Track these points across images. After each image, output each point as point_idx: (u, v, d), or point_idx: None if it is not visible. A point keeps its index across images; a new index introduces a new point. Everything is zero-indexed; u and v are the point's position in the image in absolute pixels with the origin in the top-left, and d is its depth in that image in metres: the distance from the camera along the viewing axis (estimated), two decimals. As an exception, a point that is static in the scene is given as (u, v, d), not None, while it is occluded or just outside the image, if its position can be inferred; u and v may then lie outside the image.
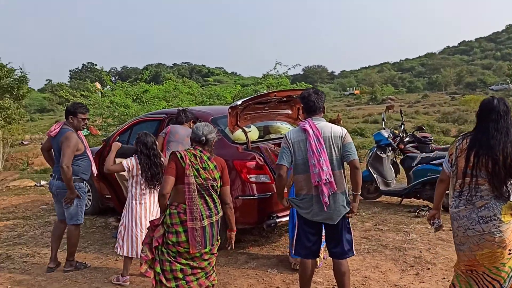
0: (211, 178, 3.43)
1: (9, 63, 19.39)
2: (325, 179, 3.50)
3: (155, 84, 16.69)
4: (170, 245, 3.43)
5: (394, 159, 8.00)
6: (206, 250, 3.44)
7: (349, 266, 3.79)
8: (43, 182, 11.12)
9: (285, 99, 5.79)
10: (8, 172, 15.77)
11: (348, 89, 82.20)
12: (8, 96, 19.11)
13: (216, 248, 3.57)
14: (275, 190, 4.48)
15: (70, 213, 4.90)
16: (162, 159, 4.68)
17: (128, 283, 4.58)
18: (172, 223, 3.42)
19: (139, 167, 4.52)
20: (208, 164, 3.46)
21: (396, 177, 7.92)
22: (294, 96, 5.72)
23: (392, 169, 7.80)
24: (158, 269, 3.45)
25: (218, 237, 3.58)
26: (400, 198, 7.49)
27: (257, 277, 4.67)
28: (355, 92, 75.81)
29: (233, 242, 3.71)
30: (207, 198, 3.44)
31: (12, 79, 19.59)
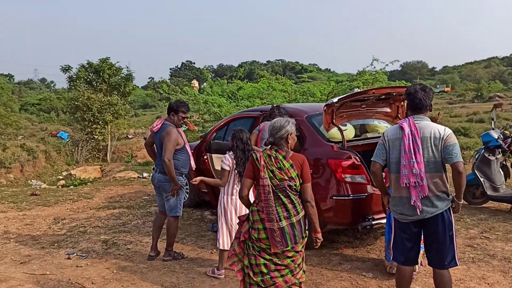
0: (287, 178, 3.34)
1: (117, 62, 20.91)
2: (414, 182, 3.32)
3: (249, 82, 16.98)
4: (254, 240, 3.47)
5: (504, 162, 7.34)
6: (288, 248, 3.38)
7: (451, 276, 3.53)
8: (145, 174, 11.82)
9: (383, 96, 5.55)
10: (115, 163, 17.04)
11: (438, 86, 76.83)
12: (116, 93, 20.64)
13: (301, 246, 3.45)
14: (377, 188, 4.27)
15: (170, 205, 5.13)
16: None
17: (223, 276, 4.68)
18: (254, 220, 3.46)
19: (234, 162, 4.61)
20: (283, 164, 3.37)
21: (506, 181, 7.28)
22: (394, 94, 5.46)
23: (502, 173, 7.17)
24: (246, 262, 3.51)
25: (304, 234, 3.45)
26: (510, 205, 6.88)
27: (351, 280, 4.54)
28: (446, 89, 70.84)
29: (318, 244, 3.56)
30: (284, 199, 3.36)
31: (119, 77, 21.12)
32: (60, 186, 12.40)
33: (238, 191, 4.63)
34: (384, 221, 4.87)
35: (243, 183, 3.53)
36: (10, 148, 16.13)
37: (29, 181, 14.69)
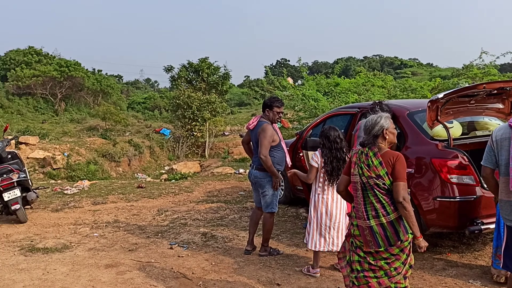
0: (374, 176, 3.19)
1: (215, 61, 21.68)
2: None
3: (345, 78, 16.67)
4: (352, 236, 3.43)
5: None
6: (381, 249, 3.23)
7: None
8: (241, 170, 12.12)
9: (495, 91, 5.11)
10: (212, 159, 17.68)
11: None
12: (214, 91, 21.42)
13: (397, 250, 3.23)
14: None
15: (266, 202, 5.19)
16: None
17: (319, 275, 4.63)
18: (351, 215, 3.45)
19: (322, 160, 4.54)
20: (372, 161, 3.22)
21: None
22: (507, 88, 5.01)
23: None
24: (348, 258, 3.50)
25: (404, 238, 3.24)
26: None
27: (456, 287, 4.25)
28: None
29: (422, 250, 3.28)
30: (372, 197, 3.23)
31: (217, 76, 21.89)
32: (163, 180, 13.16)
33: (326, 190, 4.58)
34: (494, 226, 4.50)
35: (340, 179, 3.58)
36: (119, 143, 17.44)
37: (135, 174, 15.79)
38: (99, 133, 22.69)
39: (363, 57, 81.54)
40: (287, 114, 15.09)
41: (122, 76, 72.77)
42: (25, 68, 43.38)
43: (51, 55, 50.04)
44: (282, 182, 7.42)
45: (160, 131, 24.24)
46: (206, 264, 5.14)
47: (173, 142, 20.34)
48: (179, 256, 5.42)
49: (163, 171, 16.46)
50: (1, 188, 6.88)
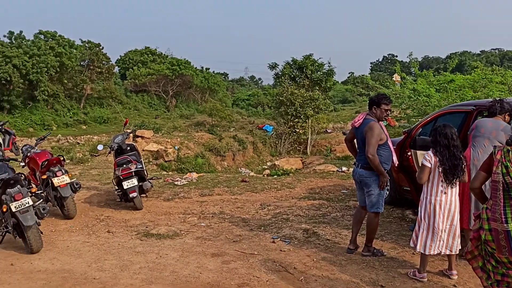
0: None
1: (319, 58, 21.57)
2: None
3: (459, 74, 15.59)
4: (483, 242, 3.23)
5: None
6: None
7: None
8: (344, 168, 11.93)
9: None
10: (314, 157, 17.64)
11: None
12: (317, 88, 21.32)
13: None
14: None
15: (371, 201, 5.07)
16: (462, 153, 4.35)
17: (426, 279, 4.43)
18: (482, 218, 3.22)
19: (436, 159, 4.31)
20: None
21: None
22: None
23: None
24: (480, 263, 3.34)
25: None
26: None
27: None
28: None
29: None
30: None
31: (321, 73, 21.75)
32: (265, 175, 13.43)
33: (440, 191, 4.32)
34: None
35: (476, 175, 3.38)
36: (224, 139, 18.12)
37: (239, 168, 16.29)
38: (206, 128, 23.78)
39: (480, 51, 75.48)
40: (393, 112, 14.52)
41: (227, 74, 75.45)
42: (141, 67, 46.85)
43: (164, 54, 53.40)
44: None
45: (263, 128, 24.70)
46: (308, 260, 5.17)
47: (276, 139, 20.63)
48: (281, 250, 5.51)
49: (266, 167, 16.78)
50: (121, 177, 7.51)
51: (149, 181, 8.12)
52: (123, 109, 39.77)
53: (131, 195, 7.52)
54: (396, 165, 5.43)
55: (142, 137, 16.19)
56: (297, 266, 4.96)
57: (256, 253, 5.43)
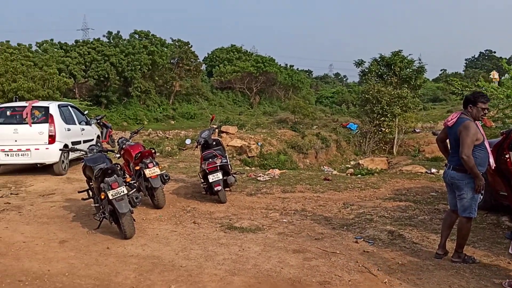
0: None
1: (409, 55, 20.74)
2: None
3: None
4: None
5: None
6: None
7: None
8: (433, 170, 11.37)
9: None
10: (401, 157, 17.01)
11: None
12: (406, 86, 20.53)
13: None
14: None
15: (463, 205, 4.78)
16: None
17: (523, 291, 4.11)
18: None
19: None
20: None
21: None
22: None
23: None
24: None
25: None
26: None
27: None
28: None
29: None
30: None
31: (410, 70, 20.91)
32: (348, 174, 13.18)
33: None
34: None
35: None
36: (307, 136, 18.07)
37: (322, 167, 16.16)
38: (288, 125, 23.87)
39: None
40: (490, 111, 13.58)
41: (312, 71, 74.98)
42: (227, 64, 48.08)
43: (250, 52, 54.34)
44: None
45: (347, 126, 24.31)
46: (392, 262, 5.00)
47: (360, 137, 20.21)
48: (364, 251, 5.39)
49: (349, 166, 16.49)
50: (207, 171, 7.77)
51: (233, 176, 8.32)
52: (209, 105, 41.14)
53: (215, 189, 7.74)
54: (493, 167, 5.08)
55: (227, 133, 16.63)
56: (381, 268, 4.82)
57: (338, 252, 5.36)
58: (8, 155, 9.79)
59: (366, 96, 20.02)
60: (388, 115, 19.12)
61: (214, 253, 5.33)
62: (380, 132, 19.52)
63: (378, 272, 4.73)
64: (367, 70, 21.94)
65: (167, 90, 39.27)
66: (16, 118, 10.20)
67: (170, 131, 22.72)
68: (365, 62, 22.47)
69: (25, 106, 10.21)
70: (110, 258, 5.20)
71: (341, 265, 4.92)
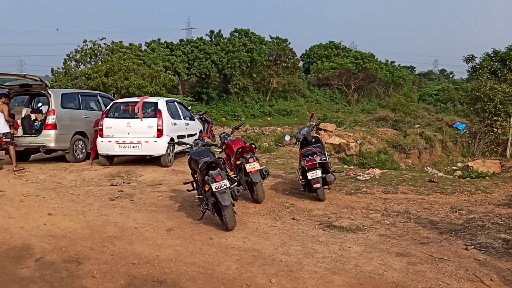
0: None
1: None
2: None
3: None
4: None
5: None
6: None
7: None
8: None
9: None
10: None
11: None
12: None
13: None
14: None
15: None
16: None
17: None
18: None
19: None
20: None
21: None
22: None
23: None
24: None
25: None
26: None
27: None
28: None
29: None
30: None
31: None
32: (456, 176, 12.39)
33: None
34: None
35: None
36: (410, 135, 17.28)
37: (425, 168, 15.35)
38: (388, 124, 23.01)
39: None
40: None
41: (414, 67, 71.47)
42: (325, 61, 47.57)
43: (348, 48, 53.28)
44: None
45: (453, 125, 22.84)
46: (508, 273, 4.59)
47: (468, 138, 18.87)
48: (475, 259, 5.01)
49: (456, 168, 15.46)
50: (306, 168, 7.74)
51: (332, 174, 8.19)
52: (305, 102, 41.07)
53: (314, 186, 7.69)
54: None
55: (325, 130, 16.46)
56: (495, 279, 4.45)
57: (446, 258, 5.04)
58: (121, 146, 10.57)
59: (477, 94, 18.63)
60: (501, 115, 17.62)
61: (313, 250, 5.29)
62: (492, 133, 18.05)
63: (491, 282, 4.37)
64: (478, 66, 20.41)
65: (264, 87, 39.90)
66: (129, 112, 10.98)
67: (267, 128, 23.03)
68: (476, 57, 20.95)
69: (137, 102, 10.95)
70: (213, 248, 5.39)
71: (449, 272, 4.62)
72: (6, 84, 11.26)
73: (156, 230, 6.09)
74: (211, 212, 6.20)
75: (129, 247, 5.44)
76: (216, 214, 6.18)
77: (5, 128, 10.21)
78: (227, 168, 7.43)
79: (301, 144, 8.49)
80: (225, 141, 8.42)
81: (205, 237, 5.81)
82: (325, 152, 8.62)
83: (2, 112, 10.28)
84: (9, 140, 10.17)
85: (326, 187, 8.35)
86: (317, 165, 7.76)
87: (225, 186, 5.92)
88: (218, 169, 6.06)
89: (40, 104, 12.19)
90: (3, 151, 10.92)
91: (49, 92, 11.08)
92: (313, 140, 8.54)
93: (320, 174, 7.73)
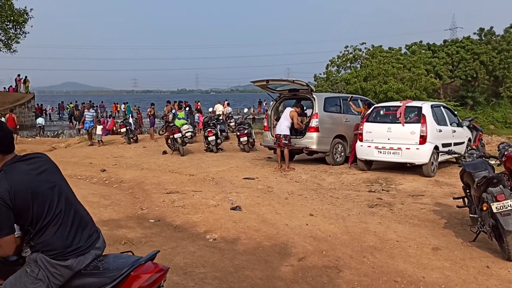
0: None
1: None
2: None
3: None
4: None
5: None
6: None
7: None
8: None
9: None
10: None
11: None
12: None
13: None
14: None
15: None
16: None
17: None
18: None
19: None
20: None
21: None
22: None
23: None
24: None
25: None
26: None
27: None
28: None
29: None
30: None
31: None
32: None
33: None
34: None
35: None
36: None
37: None
38: None
39: None
40: None
41: None
42: None
43: None
44: None
45: None
46: None
47: None
48: None
49: None
50: None
51: None
52: None
53: None
54: None
55: None
56: None
57: None
58: (381, 152, 10.26)
59: None
60: None
61: None
62: None
63: None
64: None
65: (545, 90, 33.75)
66: (390, 117, 10.58)
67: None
68: None
69: (399, 106, 10.46)
70: (491, 280, 4.54)
71: None
72: (278, 89, 12.33)
73: (420, 247, 5.51)
74: (488, 235, 5.28)
75: (390, 262, 5.05)
76: (494, 238, 5.22)
77: (286, 131, 11.15)
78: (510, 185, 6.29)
79: None
80: (506, 152, 7.17)
81: (480, 264, 4.96)
82: None
83: (292, 118, 11.25)
84: (286, 142, 11.07)
85: None
86: None
87: (509, 208, 4.94)
88: (501, 186, 5.10)
89: (304, 108, 12.96)
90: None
91: (314, 96, 11.62)
92: None
93: None
